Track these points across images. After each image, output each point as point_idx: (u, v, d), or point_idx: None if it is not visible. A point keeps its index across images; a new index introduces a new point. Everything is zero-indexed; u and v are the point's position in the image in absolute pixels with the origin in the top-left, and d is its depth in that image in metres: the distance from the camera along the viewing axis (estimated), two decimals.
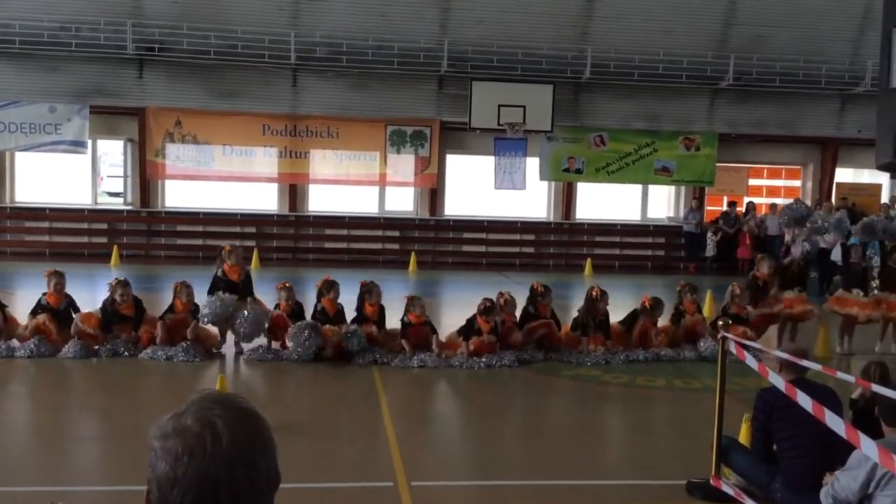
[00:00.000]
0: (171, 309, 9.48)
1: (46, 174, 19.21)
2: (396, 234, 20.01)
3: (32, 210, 18.95)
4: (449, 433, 7.40)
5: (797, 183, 22.06)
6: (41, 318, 9.18)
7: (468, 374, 9.11)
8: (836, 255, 14.76)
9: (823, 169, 21.34)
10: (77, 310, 9.46)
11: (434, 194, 19.89)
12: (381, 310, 9.67)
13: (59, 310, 9.30)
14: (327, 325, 9.26)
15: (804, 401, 4.18)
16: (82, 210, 19.19)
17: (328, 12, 17.32)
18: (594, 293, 9.99)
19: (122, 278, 9.66)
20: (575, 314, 10.36)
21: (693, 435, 6.85)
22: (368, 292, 9.60)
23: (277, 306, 9.64)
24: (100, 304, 9.62)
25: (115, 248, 17.93)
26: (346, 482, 5.85)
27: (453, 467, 6.36)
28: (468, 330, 9.44)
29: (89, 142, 18.40)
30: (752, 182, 21.76)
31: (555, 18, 17.66)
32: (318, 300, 9.51)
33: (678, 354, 10.02)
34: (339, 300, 9.61)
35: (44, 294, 9.37)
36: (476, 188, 19.89)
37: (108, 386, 8.44)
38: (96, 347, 9.25)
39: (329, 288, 9.49)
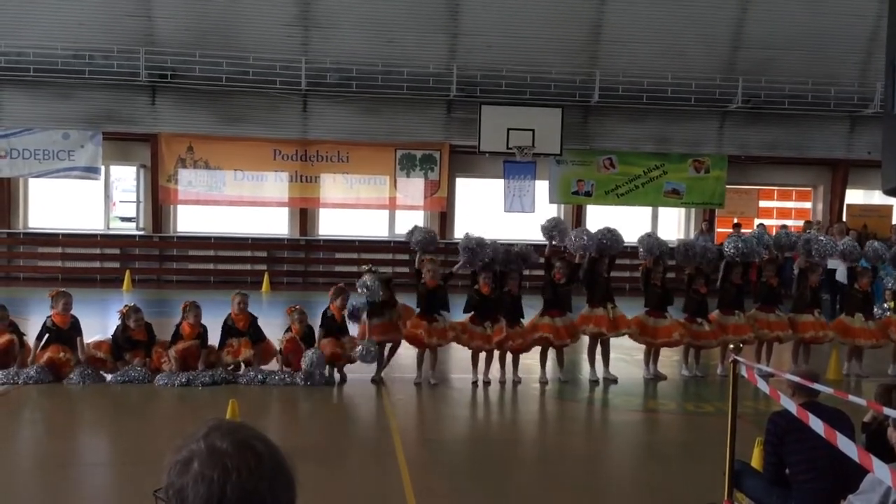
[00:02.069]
0: (177, 333, 9.53)
1: (59, 200, 19.39)
2: (406, 257, 20.02)
3: (45, 235, 19.10)
4: (459, 456, 7.36)
5: (808, 205, 22.00)
6: (62, 357, 9.19)
7: (477, 394, 9.08)
8: (841, 275, 14.57)
9: (834, 190, 21.29)
10: (80, 330, 9.47)
11: (444, 217, 19.94)
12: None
13: (64, 329, 9.35)
14: (337, 351, 9.33)
15: (816, 424, 4.15)
16: (95, 235, 19.33)
17: (338, 39, 17.47)
18: None
19: (133, 304, 9.77)
20: None
21: (705, 459, 6.80)
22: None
23: (289, 329, 9.72)
24: (110, 332, 9.66)
25: (127, 273, 18.02)
26: None
27: (464, 492, 6.33)
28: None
29: (102, 168, 18.57)
30: (763, 204, 21.72)
31: (563, 42, 17.76)
32: (328, 307, 9.67)
33: None
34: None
35: (49, 316, 9.42)
36: (486, 211, 19.93)
37: (120, 411, 8.46)
38: (108, 376, 9.26)
39: (338, 295, 9.62)
